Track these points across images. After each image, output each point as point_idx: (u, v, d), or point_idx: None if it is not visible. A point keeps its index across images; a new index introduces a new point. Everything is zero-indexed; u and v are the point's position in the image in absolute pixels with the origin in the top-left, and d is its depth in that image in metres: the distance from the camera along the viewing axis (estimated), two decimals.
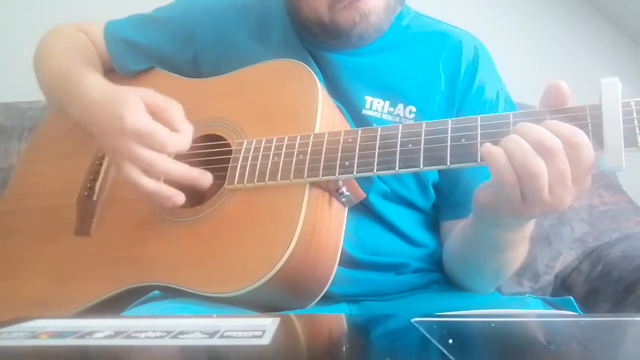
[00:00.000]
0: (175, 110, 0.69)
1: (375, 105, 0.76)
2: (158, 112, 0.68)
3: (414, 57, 0.79)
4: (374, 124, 0.74)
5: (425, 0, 0.92)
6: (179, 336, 0.37)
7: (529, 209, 0.54)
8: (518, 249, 0.67)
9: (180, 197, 0.68)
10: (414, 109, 0.76)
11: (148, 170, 0.66)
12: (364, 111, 0.76)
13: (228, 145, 0.72)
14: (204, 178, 0.69)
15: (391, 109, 0.76)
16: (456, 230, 0.76)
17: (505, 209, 0.55)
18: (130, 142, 0.66)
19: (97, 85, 0.75)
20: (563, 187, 0.51)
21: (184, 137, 0.68)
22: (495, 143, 0.55)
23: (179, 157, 0.75)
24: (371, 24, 0.74)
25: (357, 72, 0.78)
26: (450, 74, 0.78)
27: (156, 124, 0.66)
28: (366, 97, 0.76)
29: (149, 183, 0.66)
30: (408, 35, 0.81)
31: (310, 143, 0.65)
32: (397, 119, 0.76)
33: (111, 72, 0.89)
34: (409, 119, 0.76)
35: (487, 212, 0.59)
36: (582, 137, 0.50)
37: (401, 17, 0.82)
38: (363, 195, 0.70)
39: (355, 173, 0.61)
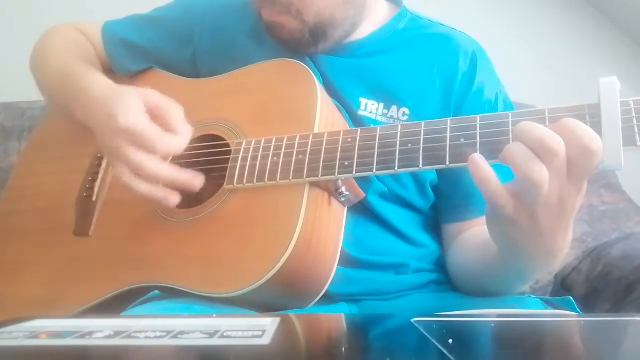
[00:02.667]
0: (174, 111, 0.68)
1: (369, 107, 0.76)
2: (157, 113, 0.67)
3: (409, 59, 0.79)
4: (369, 125, 0.74)
5: (425, 0, 0.92)
6: (179, 336, 0.37)
7: (525, 211, 0.53)
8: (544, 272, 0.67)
9: (173, 198, 0.67)
10: (407, 111, 0.76)
11: (137, 172, 0.66)
12: (359, 112, 0.76)
13: (227, 145, 0.72)
14: (195, 181, 0.68)
15: (385, 111, 0.76)
16: (470, 250, 0.74)
17: (505, 220, 0.54)
18: (121, 142, 0.65)
19: (98, 83, 0.75)
20: (561, 188, 0.51)
21: (179, 139, 0.66)
22: (495, 143, 0.55)
23: (177, 157, 0.75)
24: (288, 34, 0.75)
25: (352, 74, 0.78)
26: (447, 76, 0.78)
27: (149, 125, 0.65)
28: (361, 99, 0.77)
29: (139, 185, 0.66)
30: (404, 38, 0.81)
31: (310, 143, 0.65)
32: (391, 121, 0.76)
33: (110, 72, 0.89)
34: (403, 120, 0.76)
35: (498, 240, 0.59)
36: (598, 144, 0.49)
37: (397, 20, 0.83)
38: (362, 195, 0.70)
39: (354, 173, 0.61)
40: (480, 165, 0.52)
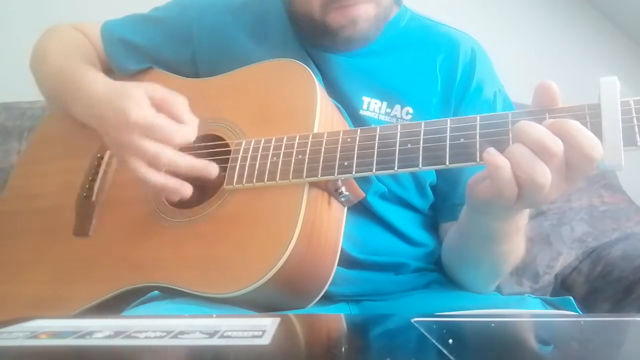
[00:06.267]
0: (179, 102, 0.69)
1: (372, 106, 0.76)
2: (162, 105, 0.68)
3: (411, 58, 0.79)
4: (371, 125, 0.74)
5: (425, 0, 0.92)
6: (179, 336, 0.37)
7: (522, 206, 0.57)
8: (512, 241, 0.67)
9: (187, 189, 0.68)
10: (411, 110, 0.76)
11: (154, 163, 0.66)
12: (361, 112, 0.76)
13: (227, 145, 0.72)
14: (210, 168, 0.68)
15: (388, 110, 0.76)
16: (453, 226, 0.76)
17: (497, 205, 0.57)
18: (135, 136, 0.66)
19: (101, 81, 0.75)
20: (558, 186, 0.52)
21: (189, 129, 0.68)
22: (495, 143, 0.55)
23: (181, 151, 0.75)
24: (358, 30, 0.74)
25: (354, 73, 0.78)
26: (447, 75, 0.78)
27: (160, 117, 0.67)
28: (363, 98, 0.77)
29: (156, 176, 0.67)
30: (405, 36, 0.81)
31: (309, 143, 0.65)
32: (394, 120, 0.76)
33: (110, 72, 0.89)
34: (406, 120, 0.76)
35: (479, 203, 0.61)
36: (599, 152, 0.50)
37: (399, 19, 0.83)
38: (362, 195, 0.70)
39: (354, 173, 0.61)
40: (496, 155, 0.53)
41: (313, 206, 0.64)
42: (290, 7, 0.79)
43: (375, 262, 0.75)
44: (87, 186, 0.80)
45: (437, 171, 0.77)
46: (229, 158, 0.69)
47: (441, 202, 0.80)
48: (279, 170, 0.65)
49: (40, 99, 0.92)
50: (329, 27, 0.74)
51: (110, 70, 0.89)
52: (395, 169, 0.59)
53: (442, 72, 0.78)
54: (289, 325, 0.42)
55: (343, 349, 0.38)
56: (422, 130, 0.60)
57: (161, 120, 0.66)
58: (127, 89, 0.69)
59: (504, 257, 0.70)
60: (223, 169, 0.69)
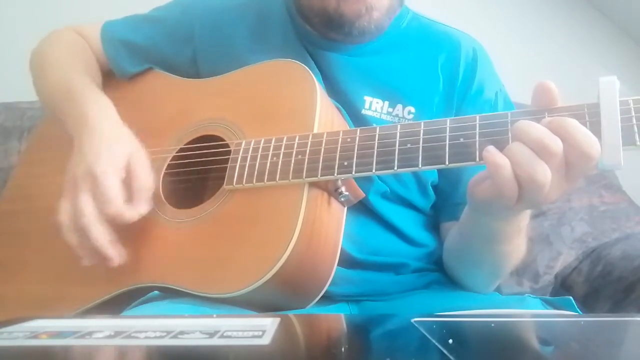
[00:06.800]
0: (145, 184, 0.68)
1: (374, 106, 0.76)
2: (132, 177, 0.67)
3: (412, 58, 0.79)
4: (373, 124, 0.74)
5: (425, 0, 0.92)
6: (179, 336, 0.37)
7: (523, 206, 0.56)
8: (513, 241, 0.67)
9: (86, 262, 0.66)
10: (412, 109, 0.76)
11: (74, 217, 0.65)
12: (363, 111, 0.76)
13: (227, 145, 0.72)
14: (114, 260, 0.66)
15: (390, 110, 0.76)
16: (455, 226, 0.76)
17: (498, 206, 0.57)
18: (83, 182, 0.65)
19: (104, 114, 0.74)
20: (558, 186, 0.52)
21: (129, 212, 0.65)
22: (494, 142, 0.55)
23: (177, 156, 0.75)
24: (374, 18, 0.75)
25: (356, 72, 0.78)
26: (449, 75, 0.78)
27: (115, 185, 0.65)
28: (365, 97, 0.77)
29: (69, 232, 0.66)
30: (407, 36, 0.81)
31: (309, 143, 0.65)
32: (396, 119, 0.76)
33: (110, 73, 0.89)
34: (408, 119, 0.76)
35: (480, 204, 0.61)
36: (596, 149, 0.50)
37: (401, 18, 0.83)
38: (362, 195, 0.70)
39: (354, 173, 0.61)
40: (496, 153, 0.53)
41: (313, 206, 0.64)
42: (299, 2, 0.79)
43: (376, 262, 0.75)
44: None
45: (438, 170, 0.77)
46: (228, 158, 0.69)
47: (442, 202, 0.80)
48: (278, 170, 0.65)
49: None
50: (345, 17, 0.74)
51: (110, 71, 0.89)
52: (395, 168, 0.59)
53: (444, 71, 0.78)
54: (289, 325, 0.42)
55: (343, 349, 0.38)
56: (422, 130, 0.60)
57: (113, 189, 0.64)
58: (116, 139, 0.69)
59: (505, 258, 0.70)
60: (223, 169, 0.69)
